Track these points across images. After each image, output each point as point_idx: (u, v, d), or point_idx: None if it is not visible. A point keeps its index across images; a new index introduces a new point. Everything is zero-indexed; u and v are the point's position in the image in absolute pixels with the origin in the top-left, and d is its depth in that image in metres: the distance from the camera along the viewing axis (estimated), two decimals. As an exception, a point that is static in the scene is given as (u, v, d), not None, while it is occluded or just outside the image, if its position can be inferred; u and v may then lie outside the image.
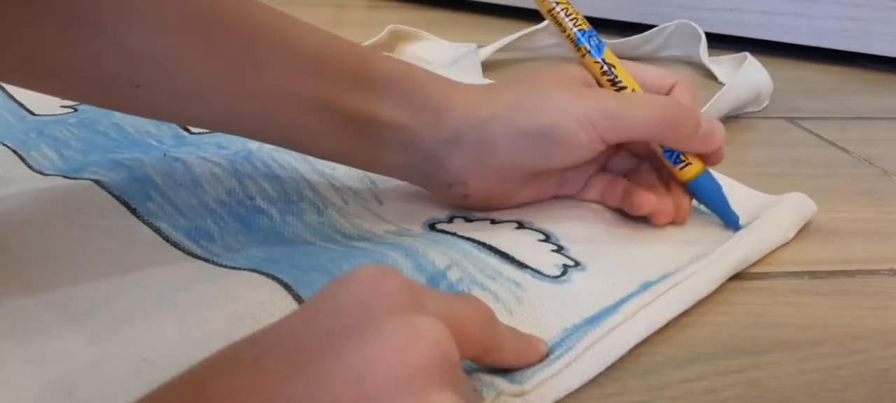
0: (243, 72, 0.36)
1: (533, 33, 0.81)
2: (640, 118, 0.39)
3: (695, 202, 0.45)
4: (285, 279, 0.33)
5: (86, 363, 0.28)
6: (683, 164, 0.41)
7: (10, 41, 0.33)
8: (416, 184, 0.42)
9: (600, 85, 0.41)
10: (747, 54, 0.73)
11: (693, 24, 0.81)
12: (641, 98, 0.40)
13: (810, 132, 0.65)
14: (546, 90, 0.39)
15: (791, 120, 0.67)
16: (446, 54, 0.75)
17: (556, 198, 0.43)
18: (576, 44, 0.41)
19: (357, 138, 0.39)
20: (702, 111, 0.59)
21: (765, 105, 0.70)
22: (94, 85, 0.35)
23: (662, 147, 0.41)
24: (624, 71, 0.41)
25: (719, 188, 0.42)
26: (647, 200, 0.41)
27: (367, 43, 0.73)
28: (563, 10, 0.41)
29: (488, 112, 0.39)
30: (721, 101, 0.62)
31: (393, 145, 0.39)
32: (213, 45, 0.35)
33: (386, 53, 0.40)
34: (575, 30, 0.41)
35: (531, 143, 0.38)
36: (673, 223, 0.42)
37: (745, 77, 0.68)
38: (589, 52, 0.41)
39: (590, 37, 0.41)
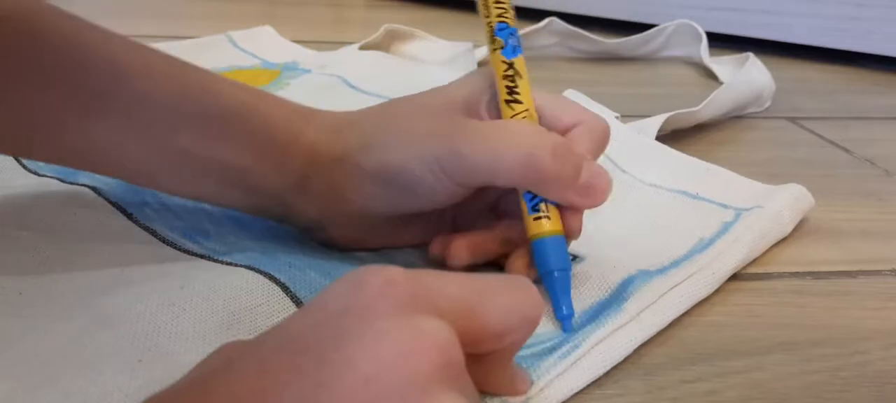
0: (70, 105, 0.33)
1: (531, 33, 0.81)
2: (494, 160, 0.31)
3: (693, 192, 0.44)
4: (283, 279, 0.33)
5: (81, 363, 0.28)
6: (538, 215, 0.34)
7: None
8: (276, 221, 0.38)
9: (498, 89, 0.35)
10: (750, 54, 0.72)
11: (694, 23, 0.81)
12: (509, 134, 0.32)
13: (812, 132, 0.64)
14: (399, 124, 0.34)
15: (792, 120, 0.67)
16: (442, 53, 0.75)
17: None
18: (493, 34, 0.36)
19: (200, 178, 0.35)
20: (698, 109, 0.59)
21: (766, 105, 0.69)
22: None
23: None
24: (527, 88, 0.35)
25: (566, 267, 0.33)
26: (458, 249, 0.35)
27: (364, 42, 0.73)
28: None
29: (336, 153, 0.34)
30: (718, 101, 0.61)
31: (238, 187, 0.35)
32: (46, 77, 0.32)
33: (235, 81, 0.36)
34: (497, 19, 0.36)
35: (380, 188, 0.34)
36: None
37: (745, 77, 0.68)
38: (502, 47, 0.36)
39: (510, 34, 0.36)
